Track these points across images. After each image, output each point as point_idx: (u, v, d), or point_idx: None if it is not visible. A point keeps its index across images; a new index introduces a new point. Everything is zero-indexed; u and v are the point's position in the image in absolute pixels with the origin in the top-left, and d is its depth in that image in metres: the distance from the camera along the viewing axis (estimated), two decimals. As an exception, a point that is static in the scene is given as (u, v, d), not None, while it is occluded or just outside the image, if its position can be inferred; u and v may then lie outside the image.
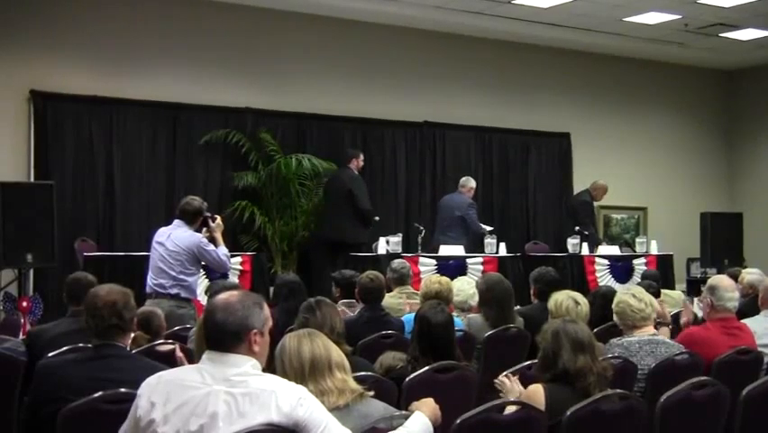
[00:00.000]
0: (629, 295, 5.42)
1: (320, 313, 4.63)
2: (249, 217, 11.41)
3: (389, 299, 7.31)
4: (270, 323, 3.34)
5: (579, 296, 5.78)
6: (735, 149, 16.40)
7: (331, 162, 11.88)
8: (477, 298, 7.00)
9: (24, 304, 9.19)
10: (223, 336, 3.19)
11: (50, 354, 4.64)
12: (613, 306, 5.49)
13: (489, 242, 10.86)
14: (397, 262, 8.10)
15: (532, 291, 7.35)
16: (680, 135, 15.89)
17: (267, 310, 3.33)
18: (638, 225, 15.39)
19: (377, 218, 10.96)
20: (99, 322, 4.13)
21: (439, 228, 11.62)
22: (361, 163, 11.47)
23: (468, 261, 10.46)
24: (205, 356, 3.24)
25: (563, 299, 5.62)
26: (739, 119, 16.35)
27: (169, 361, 4.47)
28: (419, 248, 10.69)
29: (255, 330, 3.22)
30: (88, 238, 10.26)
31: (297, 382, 3.31)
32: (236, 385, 3.13)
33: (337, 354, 3.61)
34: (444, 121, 13.53)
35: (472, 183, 11.77)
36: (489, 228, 11.28)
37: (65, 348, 4.71)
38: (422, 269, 9.88)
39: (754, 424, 4.31)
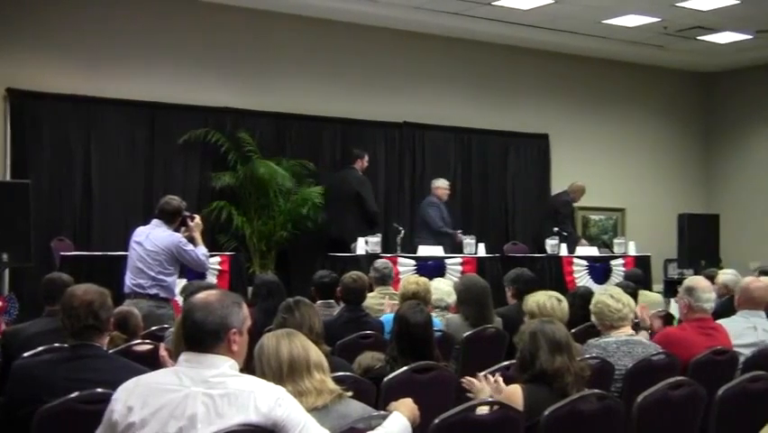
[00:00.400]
0: (607, 295, 5.43)
1: (299, 313, 4.61)
2: (227, 217, 11.36)
3: (370, 300, 7.33)
4: (249, 322, 3.32)
5: (559, 295, 5.79)
6: (712, 151, 16.45)
7: (309, 162, 11.95)
8: (454, 296, 7.04)
9: (0, 304, 9.12)
10: (202, 335, 3.17)
11: (26, 355, 4.61)
12: (591, 306, 5.50)
13: (468, 242, 10.86)
14: (380, 263, 8.13)
15: (510, 293, 7.37)
16: (658, 137, 15.93)
17: (246, 310, 3.31)
18: (616, 227, 15.41)
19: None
20: (75, 322, 4.10)
21: (416, 230, 11.83)
22: (366, 164, 11.65)
23: (447, 261, 10.48)
24: (182, 357, 3.22)
25: (545, 299, 5.60)
26: (717, 122, 16.40)
27: (147, 361, 4.44)
28: (398, 248, 10.69)
29: (234, 329, 3.20)
30: (65, 238, 10.17)
31: (276, 383, 3.29)
32: (214, 387, 3.11)
33: (316, 354, 3.60)
34: (424, 121, 13.51)
35: (438, 183, 11.87)
36: (447, 229, 11.46)
37: (41, 348, 4.67)
38: (401, 269, 9.89)
39: (730, 423, 4.33)
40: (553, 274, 11.13)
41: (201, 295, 3.31)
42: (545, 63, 14.59)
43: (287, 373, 3.48)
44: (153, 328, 6.20)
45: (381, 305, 7.37)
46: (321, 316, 4.91)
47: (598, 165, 15.06)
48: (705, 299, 5.68)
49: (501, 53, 14.15)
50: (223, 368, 3.15)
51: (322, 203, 11.62)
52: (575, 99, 14.97)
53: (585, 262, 11.38)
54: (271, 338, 3.59)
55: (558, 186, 14.08)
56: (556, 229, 11.70)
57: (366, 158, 11.67)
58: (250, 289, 7.96)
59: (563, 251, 11.41)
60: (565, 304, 5.66)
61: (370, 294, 7.44)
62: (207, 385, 3.11)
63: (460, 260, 10.60)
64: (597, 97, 15.22)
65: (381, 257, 9.34)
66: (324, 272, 7.42)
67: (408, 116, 13.37)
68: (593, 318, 5.48)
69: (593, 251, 11.95)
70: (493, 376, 4.34)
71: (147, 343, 5.21)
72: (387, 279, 7.89)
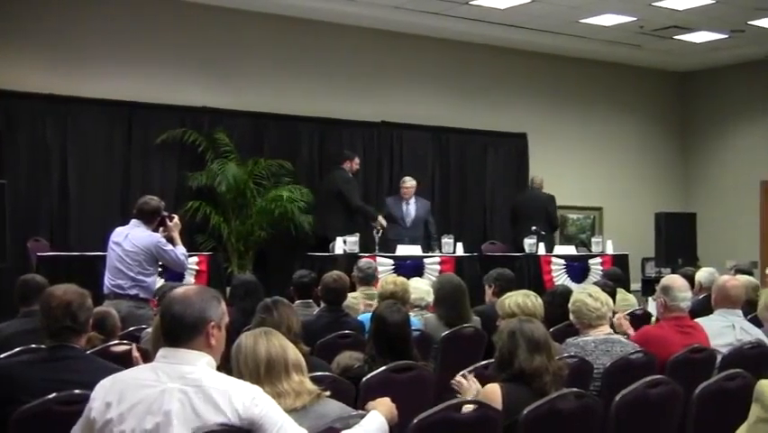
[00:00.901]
0: (585, 294, 5.44)
1: (277, 313, 4.61)
2: (204, 217, 11.31)
3: (350, 300, 7.33)
4: (227, 318, 3.34)
5: (534, 294, 5.79)
6: (689, 150, 16.51)
7: (286, 162, 11.95)
8: (433, 296, 7.05)
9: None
10: (181, 327, 3.18)
11: (2, 355, 4.60)
12: (569, 305, 5.50)
13: (447, 241, 10.87)
14: (364, 263, 8.21)
15: (491, 291, 7.37)
16: (635, 136, 15.98)
17: (224, 305, 3.33)
18: (594, 225, 15.41)
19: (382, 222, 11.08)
20: (52, 323, 4.08)
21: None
22: (356, 166, 11.71)
23: (425, 261, 10.48)
24: (160, 353, 3.22)
25: (523, 298, 5.61)
26: (693, 121, 16.46)
27: (124, 361, 4.43)
28: (377, 248, 10.68)
29: (213, 322, 3.22)
30: (42, 238, 10.10)
31: (253, 384, 3.28)
32: (190, 383, 3.10)
33: (294, 354, 3.58)
34: (402, 121, 13.48)
35: (405, 182, 11.87)
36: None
37: (18, 349, 4.66)
38: (379, 269, 9.76)
39: (707, 422, 4.35)
40: (532, 273, 11.10)
41: (180, 289, 3.33)
42: (523, 62, 14.60)
43: (264, 374, 3.47)
44: (131, 329, 6.19)
45: (366, 305, 7.37)
46: (300, 316, 4.90)
47: (576, 164, 15.08)
48: (681, 298, 5.69)
49: (479, 52, 14.14)
50: (199, 364, 3.15)
51: (299, 202, 11.58)
52: (553, 99, 14.96)
53: (563, 261, 11.37)
54: (249, 337, 3.58)
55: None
56: (534, 228, 11.66)
57: (356, 160, 11.69)
58: (228, 289, 7.94)
59: (541, 250, 11.45)
60: (540, 302, 5.68)
61: (352, 294, 7.46)
62: (184, 381, 3.10)
63: (438, 259, 10.61)
64: (575, 97, 15.23)
65: (360, 257, 9.37)
66: (303, 272, 7.45)
67: (386, 116, 13.34)
68: (571, 317, 5.48)
69: (571, 250, 11.96)
70: (469, 375, 4.36)
71: (125, 343, 5.19)
72: (370, 279, 7.96)
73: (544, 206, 12.68)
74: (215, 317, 3.24)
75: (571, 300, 5.51)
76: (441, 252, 10.84)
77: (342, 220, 11.11)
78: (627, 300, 8.43)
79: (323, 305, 6.86)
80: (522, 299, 5.60)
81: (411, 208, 11.78)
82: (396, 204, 11.80)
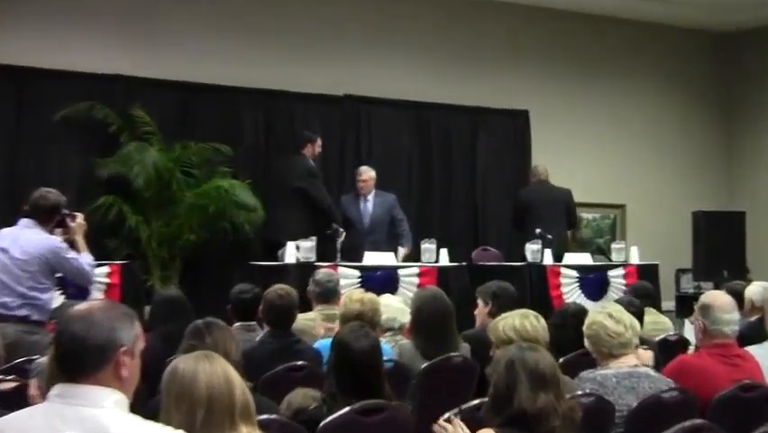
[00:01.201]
0: (604, 315, 5.46)
1: (210, 339, 4.65)
2: (118, 216, 11.28)
3: (305, 321, 7.43)
4: (143, 343, 3.31)
5: (534, 313, 5.81)
6: (734, 131, 16.53)
7: (224, 146, 11.91)
8: (409, 317, 7.12)
9: None
10: (82, 354, 3.12)
11: None
12: (584, 329, 5.52)
13: (427, 247, 10.91)
14: (322, 274, 8.28)
15: (486, 309, 7.42)
16: (666, 114, 16.04)
17: (138, 326, 3.29)
18: (614, 227, 15.51)
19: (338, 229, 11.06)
20: None
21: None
22: (319, 149, 11.84)
23: (400, 272, 10.53)
24: (53, 391, 3.15)
25: (520, 320, 5.61)
26: (740, 94, 16.47)
27: (11, 402, 4.35)
28: (338, 256, 10.64)
29: (125, 347, 3.18)
30: None
31: (187, 431, 3.25)
32: (95, 431, 3.03)
33: (242, 393, 3.55)
34: (370, 94, 13.52)
35: (360, 174, 12.04)
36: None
37: None
38: (342, 282, 9.74)
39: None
40: (535, 288, 11.20)
41: (81, 306, 3.29)
42: (524, 22, 14.68)
43: (201, 422, 3.42)
44: (20, 360, 6.07)
45: (327, 330, 7.40)
46: (239, 342, 4.93)
47: (591, 149, 15.22)
48: (726, 321, 5.71)
49: (468, 8, 14.21)
50: (107, 404, 3.10)
51: (240, 197, 11.58)
52: (561, 67, 15.02)
53: (576, 273, 11.42)
54: (187, 362, 3.56)
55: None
56: (539, 231, 11.67)
57: (318, 142, 11.82)
58: (147, 308, 7.97)
59: (547, 258, 11.46)
60: (544, 324, 5.70)
61: (306, 315, 7.57)
62: (84, 428, 3.03)
63: (416, 270, 10.63)
64: (588, 65, 15.29)
65: (317, 267, 9.38)
66: (243, 287, 7.44)
67: (350, 88, 13.37)
68: (587, 345, 5.51)
69: (586, 258, 12.00)
70: (455, 418, 4.38)
71: (10, 380, 5.11)
72: (330, 295, 8.04)
73: (563, 202, 12.77)
74: (128, 341, 3.20)
75: (587, 323, 5.53)
76: (420, 260, 10.86)
77: (302, 222, 11.16)
78: (659, 323, 8.47)
79: (267, 329, 6.89)
80: (519, 321, 5.60)
81: (369, 206, 11.97)
82: (352, 203, 11.93)
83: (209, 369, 3.52)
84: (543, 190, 12.87)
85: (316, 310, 7.87)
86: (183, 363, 3.55)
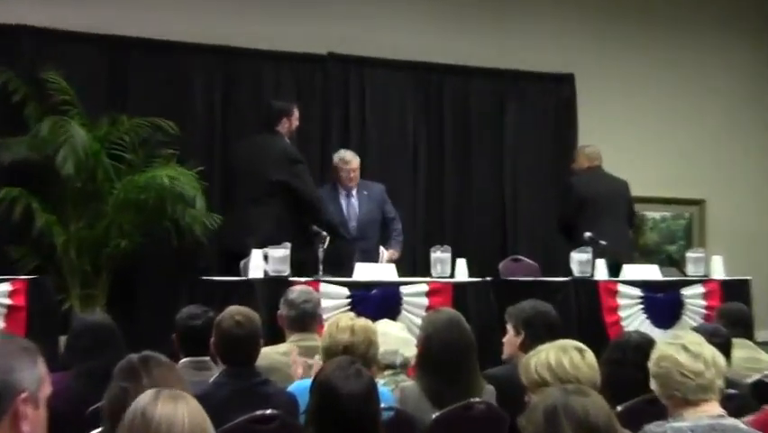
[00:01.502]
0: (678, 348, 5.36)
1: (148, 379, 4.55)
2: (24, 215, 11.20)
3: (277, 356, 7.53)
4: (49, 389, 3.32)
5: (579, 345, 5.68)
6: None
7: (166, 121, 11.84)
8: (415, 350, 7.17)
9: None
10: None
11: None
12: (651, 366, 5.45)
13: (439, 257, 10.89)
14: (298, 292, 8.28)
15: (518, 340, 7.40)
16: (754, 81, 16.05)
17: (43, 366, 3.31)
18: (690, 230, 15.63)
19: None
20: None
21: None
22: (296, 123, 11.83)
23: (403, 290, 10.42)
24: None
25: (558, 354, 5.48)
26: None
27: None
28: (320, 268, 10.59)
29: (25, 393, 3.17)
30: None
31: None
32: None
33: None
34: (361, 53, 13.67)
35: (346, 161, 12.05)
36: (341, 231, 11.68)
37: None
38: (325, 303, 9.76)
39: None
40: (584, 312, 11.18)
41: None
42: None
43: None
44: None
45: (305, 367, 7.39)
46: (188, 384, 4.81)
47: (658, 126, 15.30)
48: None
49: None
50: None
51: (190, 190, 11.54)
52: (617, 17, 15.11)
53: (639, 292, 11.33)
54: (157, 405, 3.53)
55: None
56: (588, 235, 11.71)
57: (296, 114, 11.86)
58: (63, 339, 7.97)
59: (601, 272, 11.46)
60: (592, 361, 5.58)
61: (278, 348, 7.66)
62: None
63: (425, 288, 10.54)
64: (650, 15, 15.38)
65: (291, 283, 9.40)
66: (193, 310, 7.46)
67: (337, 45, 13.48)
68: (654, 387, 5.42)
69: (652, 271, 11.92)
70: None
71: None
72: (308, 320, 8.07)
73: (623, 197, 12.88)
74: (29, 386, 3.19)
75: (654, 359, 5.44)
76: (430, 274, 10.84)
77: (274, 223, 11.19)
78: (754, 360, 8.35)
79: (222, 366, 6.83)
80: (556, 356, 5.49)
81: (355, 203, 12.07)
82: (330, 200, 11.97)
83: (187, 411, 3.58)
84: (598, 180, 12.94)
85: (290, 341, 7.88)
86: (151, 406, 3.53)
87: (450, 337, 6.80)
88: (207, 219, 11.64)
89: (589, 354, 5.54)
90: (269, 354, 7.28)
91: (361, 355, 6.24)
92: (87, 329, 6.98)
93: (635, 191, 13.61)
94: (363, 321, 6.88)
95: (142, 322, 10.64)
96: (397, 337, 7.36)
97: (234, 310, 6.86)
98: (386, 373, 7.02)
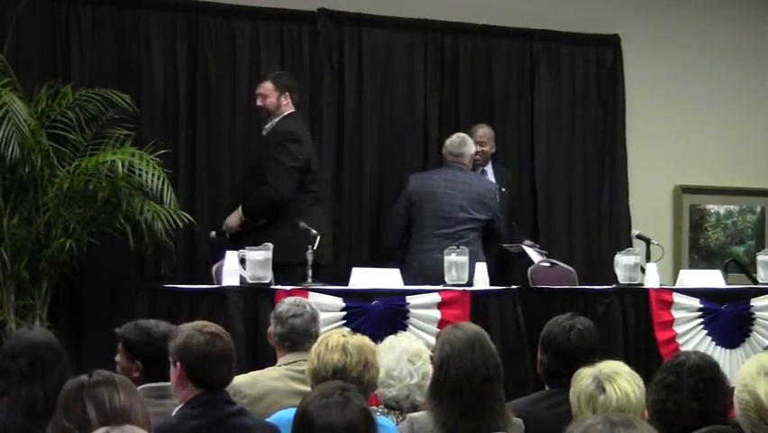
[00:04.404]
0: (761, 375, 5.36)
1: (98, 413, 4.58)
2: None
3: (269, 382, 7.67)
4: None
5: (625, 368, 5.89)
6: None
7: (123, 95, 11.83)
8: (426, 372, 7.22)
9: None
10: None
11: None
12: (737, 394, 5.43)
13: (455, 260, 10.94)
14: (287, 304, 8.28)
15: (547, 368, 7.50)
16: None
17: None
18: (762, 228, 15.62)
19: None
20: None
21: None
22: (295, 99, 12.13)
23: (409, 300, 10.42)
24: None
25: (591, 382, 5.71)
26: None
27: None
28: (309, 273, 10.47)
29: None
30: None
31: None
32: None
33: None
34: (362, 10, 13.80)
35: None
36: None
37: None
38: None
39: None
40: (631, 327, 11.21)
41: None
42: None
43: None
44: None
45: (295, 393, 7.42)
46: (149, 415, 4.85)
47: (719, 98, 15.30)
48: None
49: None
50: None
51: (150, 179, 11.48)
52: None
53: (698, 303, 11.33)
54: None
55: (638, 133, 14.56)
56: (637, 233, 11.95)
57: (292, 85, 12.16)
58: None
59: (652, 279, 11.44)
60: (639, 387, 5.77)
61: (268, 372, 7.84)
62: None
63: (437, 297, 10.54)
64: None
65: (274, 291, 9.61)
66: (151, 324, 7.52)
67: (331, 0, 13.39)
68: (740, 418, 5.42)
69: (715, 278, 11.89)
70: None
71: None
72: (299, 338, 8.05)
73: None
74: None
75: (739, 387, 5.45)
76: (444, 281, 10.87)
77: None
78: None
79: (192, 390, 6.70)
80: (594, 383, 5.68)
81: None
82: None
83: None
84: None
85: (280, 364, 7.96)
86: None
87: (471, 361, 6.67)
88: (173, 215, 11.51)
89: (637, 383, 5.65)
90: (258, 380, 7.46)
91: (354, 380, 6.37)
92: (25, 349, 6.89)
93: (693, 180, 13.99)
94: (358, 338, 6.98)
95: (90, 339, 10.73)
96: (408, 370, 7.22)
97: (199, 324, 6.80)
98: (390, 408, 7.10)
